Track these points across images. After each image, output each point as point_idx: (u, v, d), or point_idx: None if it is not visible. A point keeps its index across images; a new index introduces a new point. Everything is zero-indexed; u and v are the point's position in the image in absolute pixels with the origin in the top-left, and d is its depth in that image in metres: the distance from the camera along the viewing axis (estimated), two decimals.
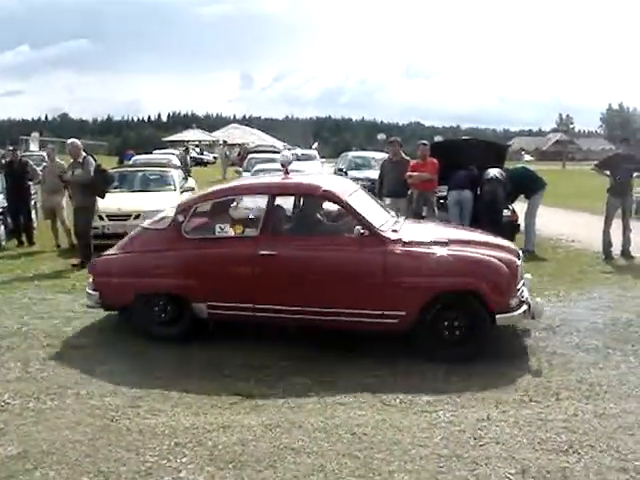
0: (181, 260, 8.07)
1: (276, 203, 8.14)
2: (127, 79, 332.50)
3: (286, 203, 8.69)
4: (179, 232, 8.16)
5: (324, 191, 8.15)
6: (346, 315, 7.55)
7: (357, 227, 7.65)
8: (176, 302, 8.11)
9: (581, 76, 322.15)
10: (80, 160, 12.94)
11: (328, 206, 8.70)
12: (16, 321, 8.91)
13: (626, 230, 13.89)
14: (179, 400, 6.37)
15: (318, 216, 8.81)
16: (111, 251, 8.72)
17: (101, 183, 12.96)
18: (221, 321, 8.04)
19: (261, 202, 8.35)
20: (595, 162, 16.00)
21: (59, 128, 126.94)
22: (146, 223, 9.02)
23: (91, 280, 8.51)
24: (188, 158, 39.70)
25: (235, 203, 9.20)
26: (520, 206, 15.12)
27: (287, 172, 8.75)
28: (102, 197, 13.20)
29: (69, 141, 13.38)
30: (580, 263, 13.36)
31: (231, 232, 8.38)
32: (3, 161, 16.56)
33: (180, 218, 8.22)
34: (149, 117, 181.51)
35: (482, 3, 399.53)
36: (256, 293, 7.77)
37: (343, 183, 9.33)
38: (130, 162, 28.28)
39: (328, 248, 7.80)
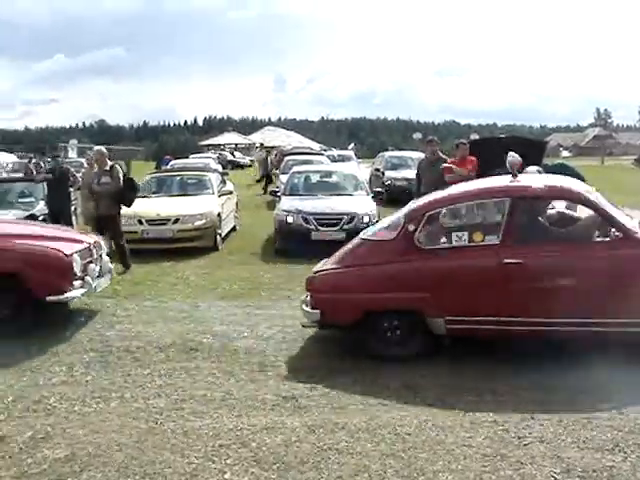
0: (416, 273, 7.56)
1: (518, 207, 7.64)
2: (162, 85, 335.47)
3: (526, 207, 7.99)
4: (411, 242, 7.65)
5: (579, 194, 7.92)
6: (616, 325, 7.05)
7: (612, 230, 7.44)
8: (408, 319, 7.59)
9: (617, 70, 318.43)
10: (106, 168, 13.05)
11: (550, 209, 8.49)
12: (61, 326, 9.01)
13: None
14: (222, 402, 6.41)
15: (556, 220, 8.49)
16: (328, 265, 8.17)
17: (129, 192, 13.05)
18: (459, 336, 7.55)
19: (493, 207, 8.18)
20: (635, 157, 15.83)
21: (97, 135, 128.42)
22: (365, 234, 8.46)
23: (309, 297, 7.95)
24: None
25: (467, 209, 8.74)
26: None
27: (515, 175, 8.30)
28: (128, 206, 13.28)
29: (95, 149, 13.53)
30: None
31: (468, 240, 7.74)
32: (46, 169, 16.75)
33: (411, 227, 7.70)
34: (185, 122, 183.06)
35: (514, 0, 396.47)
36: (502, 305, 7.27)
37: (580, 184, 8.87)
38: (167, 167, 28.54)
39: (581, 254, 7.39)
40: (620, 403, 6.11)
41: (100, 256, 9.74)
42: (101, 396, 6.62)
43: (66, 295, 8.67)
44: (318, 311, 7.72)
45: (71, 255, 8.81)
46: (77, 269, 8.83)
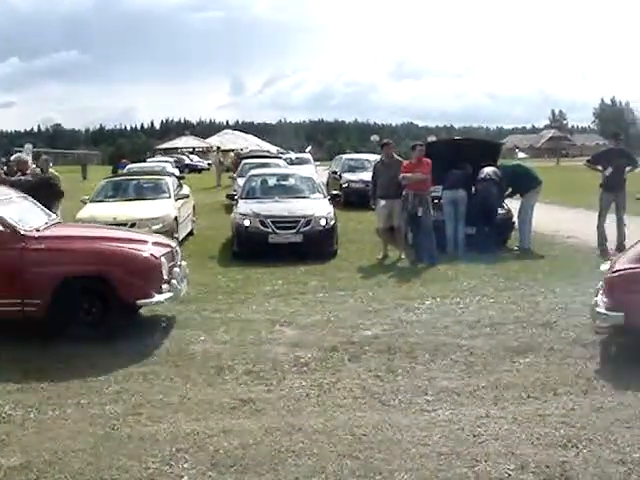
0: None
1: None
2: (119, 88, 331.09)
3: None
4: None
5: None
6: None
7: None
8: None
9: (571, 72, 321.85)
10: (28, 172, 12.90)
11: None
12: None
13: (620, 224, 13.96)
14: (179, 406, 6.39)
15: None
16: (627, 265, 7.64)
17: (44, 190, 12.78)
18: None
19: None
20: (587, 158, 16.08)
21: (52, 139, 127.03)
22: None
23: (607, 299, 7.47)
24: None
25: None
26: (514, 203, 15.20)
27: None
28: (47, 207, 13.06)
29: (14, 156, 13.42)
30: (576, 259, 13.44)
31: None
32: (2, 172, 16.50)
33: None
34: (142, 125, 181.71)
35: (466, 3, 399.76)
36: None
37: None
38: (124, 171, 28.36)
39: None
40: (573, 400, 6.22)
41: (180, 260, 9.61)
42: (57, 402, 6.56)
43: (155, 299, 8.55)
44: (622, 314, 7.23)
45: (159, 258, 8.69)
46: (165, 272, 8.72)
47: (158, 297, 8.55)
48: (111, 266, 8.48)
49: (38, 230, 8.82)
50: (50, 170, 15.56)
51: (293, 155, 41.81)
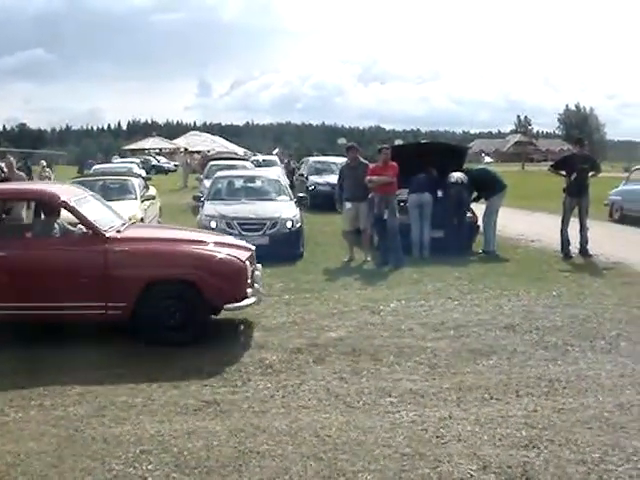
0: None
1: None
2: (85, 88, 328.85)
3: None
4: None
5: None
6: None
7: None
8: None
9: (536, 78, 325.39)
10: None
11: None
12: None
13: (583, 229, 14.14)
14: (144, 408, 6.37)
15: None
16: None
17: None
18: None
19: None
20: (552, 163, 16.27)
21: (18, 139, 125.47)
22: None
23: None
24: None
25: None
26: (478, 207, 15.33)
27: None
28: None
29: None
30: (539, 262, 13.58)
31: None
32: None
33: None
34: (109, 126, 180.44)
35: (431, 8, 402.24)
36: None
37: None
38: (91, 171, 28.16)
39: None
40: (535, 401, 6.31)
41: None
42: (20, 405, 6.51)
43: (243, 303, 8.42)
44: None
45: (245, 261, 8.58)
46: (249, 276, 8.61)
47: (245, 301, 8.43)
48: (200, 270, 8.32)
49: (119, 231, 8.68)
50: (16, 171, 15.43)
51: (260, 157, 41.72)
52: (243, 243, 9.58)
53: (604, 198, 21.87)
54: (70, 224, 9.11)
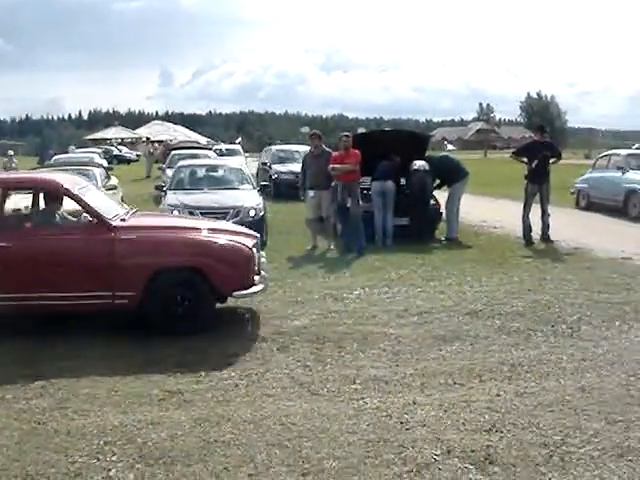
0: None
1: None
2: (45, 77, 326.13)
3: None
4: None
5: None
6: None
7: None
8: None
9: (497, 66, 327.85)
10: None
11: None
12: None
13: (544, 215, 14.27)
14: (107, 399, 6.32)
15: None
16: None
17: None
18: None
19: None
20: (512, 150, 16.39)
21: None
22: None
23: None
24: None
25: None
26: (441, 195, 15.41)
27: None
28: None
29: None
30: (502, 249, 13.69)
31: None
32: None
33: None
34: (70, 115, 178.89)
35: None
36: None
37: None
38: (51, 162, 27.86)
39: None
40: (497, 386, 6.37)
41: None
42: None
43: (251, 290, 8.35)
44: None
45: (252, 248, 8.49)
46: (256, 263, 8.53)
47: (253, 288, 8.39)
48: (208, 257, 8.28)
49: (124, 220, 8.57)
50: None
51: (223, 146, 41.58)
52: (248, 230, 9.50)
53: (567, 185, 22.05)
54: (69, 213, 9.02)
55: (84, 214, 8.47)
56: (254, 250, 8.59)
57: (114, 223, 8.34)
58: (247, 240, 8.72)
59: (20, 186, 9.48)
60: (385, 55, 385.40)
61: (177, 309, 8.23)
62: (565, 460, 4.91)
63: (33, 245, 8.27)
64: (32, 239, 8.39)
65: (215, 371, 6.98)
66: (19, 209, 9.91)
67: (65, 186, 8.58)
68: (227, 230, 9.15)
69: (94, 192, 9.31)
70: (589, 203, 21.22)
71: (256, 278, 8.51)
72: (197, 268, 8.24)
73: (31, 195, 9.20)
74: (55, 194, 8.84)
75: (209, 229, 8.91)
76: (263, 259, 9.04)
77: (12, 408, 6.20)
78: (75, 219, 8.82)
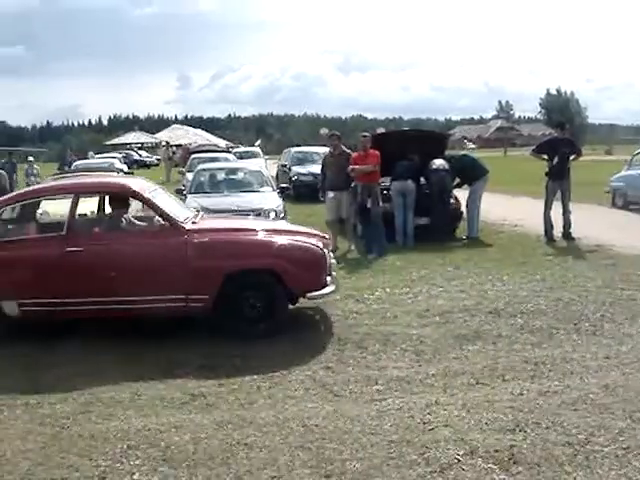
0: None
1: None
2: (65, 84, 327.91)
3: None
4: None
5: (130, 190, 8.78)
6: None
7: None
8: None
9: (516, 63, 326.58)
10: None
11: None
12: None
13: (566, 212, 14.18)
14: (130, 403, 6.36)
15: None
16: None
17: None
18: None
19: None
20: (533, 147, 16.29)
21: None
22: None
23: None
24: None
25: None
26: (462, 193, 15.36)
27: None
28: None
29: None
30: (523, 247, 13.61)
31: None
32: None
33: None
34: (90, 121, 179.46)
35: None
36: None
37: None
38: (71, 168, 28.00)
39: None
40: (521, 385, 6.33)
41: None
42: (6, 404, 6.48)
43: (324, 291, 8.35)
44: None
45: (323, 249, 8.49)
46: (328, 264, 8.53)
47: (326, 289, 8.38)
48: (281, 259, 8.21)
49: (195, 223, 8.57)
50: None
51: (242, 149, 41.65)
52: (317, 231, 9.48)
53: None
54: (139, 218, 9.09)
55: (156, 218, 8.46)
56: (326, 251, 8.57)
57: (186, 226, 8.32)
58: (318, 241, 8.71)
59: (91, 190, 9.54)
60: (403, 55, 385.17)
61: (251, 312, 8.20)
62: (590, 459, 4.86)
63: (105, 250, 8.29)
64: (104, 243, 8.43)
65: (237, 374, 6.99)
66: (88, 213, 10.01)
67: (136, 190, 8.61)
68: (298, 231, 9.12)
69: (163, 195, 9.28)
70: (626, 202, 20.09)
71: (328, 279, 8.48)
72: (271, 270, 8.19)
73: (100, 199, 9.36)
74: (126, 198, 8.89)
75: (279, 230, 8.95)
76: (332, 260, 8.96)
77: (36, 413, 6.25)
78: (146, 223, 8.83)
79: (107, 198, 9.20)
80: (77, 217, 8.80)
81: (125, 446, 5.43)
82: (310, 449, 5.22)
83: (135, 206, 9.28)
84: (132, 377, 7.01)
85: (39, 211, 9.94)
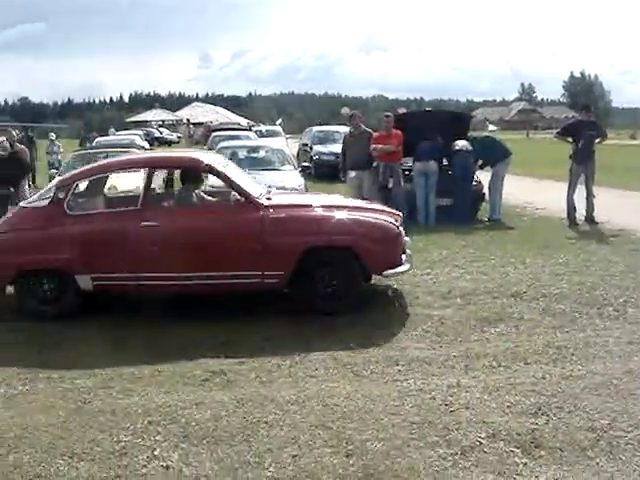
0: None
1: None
2: (86, 61, 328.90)
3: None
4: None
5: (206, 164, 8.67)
6: None
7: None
8: None
9: (539, 45, 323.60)
10: None
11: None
12: None
13: (589, 196, 14.06)
14: (151, 379, 6.38)
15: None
16: None
17: (15, 168, 12.62)
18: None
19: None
20: (557, 130, 16.14)
21: (20, 113, 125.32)
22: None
23: None
24: None
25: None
26: (484, 175, 15.26)
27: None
28: (15, 187, 12.81)
29: None
30: (545, 230, 13.52)
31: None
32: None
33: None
34: (111, 98, 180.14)
35: None
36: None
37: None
38: (93, 144, 28.04)
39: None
40: (543, 368, 6.28)
41: None
42: (27, 377, 6.52)
43: (401, 269, 8.30)
44: None
45: (399, 226, 8.45)
46: (403, 242, 8.50)
47: (402, 267, 8.32)
48: (359, 236, 8.13)
49: (269, 198, 8.50)
50: (17, 144, 15.31)
51: (264, 128, 41.56)
52: (390, 209, 9.41)
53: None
54: (209, 192, 9.10)
55: (232, 193, 8.39)
56: (401, 228, 8.50)
57: (262, 201, 8.27)
58: (393, 218, 8.64)
59: (165, 165, 9.56)
60: (424, 35, 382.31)
61: (326, 289, 8.16)
62: (613, 444, 4.83)
63: (180, 224, 8.25)
64: (179, 218, 8.40)
65: (258, 352, 6.99)
66: (161, 187, 10.07)
67: (211, 164, 8.59)
68: (373, 209, 9.01)
69: (236, 170, 9.24)
70: None
71: (403, 257, 8.43)
72: (348, 247, 8.12)
73: (172, 174, 9.43)
74: (201, 172, 8.89)
75: (356, 207, 8.88)
76: (407, 238, 8.84)
77: (58, 387, 6.29)
78: (220, 198, 8.80)
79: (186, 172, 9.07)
80: (153, 192, 8.81)
81: (146, 422, 5.45)
82: (331, 428, 5.21)
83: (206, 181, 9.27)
84: (152, 354, 7.04)
85: (107, 185, 9.98)
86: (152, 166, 8.63)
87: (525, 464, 4.62)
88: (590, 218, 14.03)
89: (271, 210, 8.15)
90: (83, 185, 8.94)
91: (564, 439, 4.92)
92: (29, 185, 16.74)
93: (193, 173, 8.89)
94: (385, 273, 8.28)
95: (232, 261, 8.00)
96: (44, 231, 8.22)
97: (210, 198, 8.95)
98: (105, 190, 9.86)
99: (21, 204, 9.12)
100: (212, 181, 9.26)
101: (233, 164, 9.61)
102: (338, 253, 8.17)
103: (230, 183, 8.34)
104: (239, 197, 8.24)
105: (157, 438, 5.18)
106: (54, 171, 21.41)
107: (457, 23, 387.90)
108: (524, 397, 5.65)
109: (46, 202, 8.44)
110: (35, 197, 9.03)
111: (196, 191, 8.88)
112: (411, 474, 4.53)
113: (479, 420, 5.25)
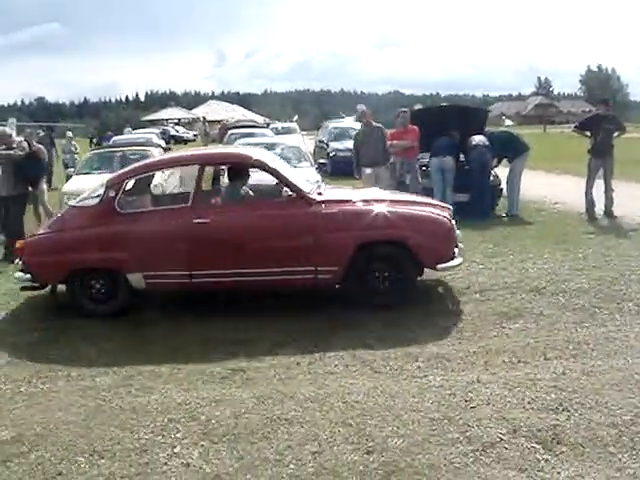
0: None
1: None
2: (102, 60, 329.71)
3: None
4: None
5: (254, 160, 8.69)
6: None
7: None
8: None
9: (555, 39, 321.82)
10: (14, 146, 12.52)
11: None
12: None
13: (608, 190, 13.96)
14: (170, 377, 6.39)
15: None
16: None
17: (31, 168, 12.58)
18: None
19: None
20: (575, 124, 16.04)
21: (36, 113, 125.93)
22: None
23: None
24: None
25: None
26: (502, 171, 15.19)
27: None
28: (33, 186, 12.83)
29: None
30: (564, 224, 13.43)
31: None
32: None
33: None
34: (127, 97, 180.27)
35: None
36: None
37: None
38: (109, 143, 28.12)
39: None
40: (563, 364, 6.24)
41: None
42: (47, 376, 6.57)
43: (454, 263, 8.28)
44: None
45: (452, 220, 8.45)
46: (455, 235, 8.48)
47: (455, 261, 8.28)
48: (413, 230, 8.08)
49: (320, 194, 8.46)
50: (34, 143, 15.38)
51: (279, 125, 41.54)
52: (442, 203, 9.37)
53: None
54: (258, 188, 9.09)
55: (284, 189, 8.37)
56: (453, 222, 8.48)
57: (314, 197, 8.25)
58: (445, 212, 8.61)
59: (216, 161, 9.58)
60: (439, 31, 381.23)
61: (380, 284, 8.15)
62: (635, 440, 4.79)
63: (232, 221, 8.25)
64: (230, 215, 8.38)
65: (276, 349, 7.00)
66: (212, 184, 10.12)
67: (262, 160, 8.57)
68: (424, 202, 8.96)
69: (286, 166, 9.23)
70: None
71: (455, 250, 8.40)
72: (402, 241, 8.09)
73: (223, 170, 9.44)
74: (249, 169, 8.90)
75: (407, 201, 8.83)
76: (458, 231, 8.76)
77: (78, 385, 6.32)
78: (271, 194, 8.74)
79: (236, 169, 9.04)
80: (203, 188, 8.79)
81: (166, 419, 5.46)
82: (351, 425, 5.20)
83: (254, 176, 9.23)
84: (171, 351, 7.06)
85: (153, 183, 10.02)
86: (203, 163, 8.72)
87: (546, 460, 4.59)
88: (609, 212, 13.93)
89: (323, 205, 8.13)
90: (131, 183, 8.92)
91: (586, 435, 4.89)
92: (48, 185, 16.84)
93: (242, 169, 8.89)
94: (439, 267, 8.23)
95: (285, 257, 7.99)
96: (95, 230, 8.23)
97: (263, 194, 8.92)
98: (152, 188, 9.87)
99: (71, 203, 9.19)
100: (256, 177, 9.21)
101: (282, 160, 9.62)
102: (392, 248, 8.12)
103: (282, 179, 8.32)
104: (290, 193, 8.23)
105: (177, 435, 5.19)
106: (71, 170, 21.53)
107: (472, 18, 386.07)
108: (545, 393, 5.61)
109: (96, 201, 8.46)
110: (85, 196, 9.05)
111: (244, 187, 8.87)
112: (431, 471, 4.52)
113: (500, 416, 5.23)
